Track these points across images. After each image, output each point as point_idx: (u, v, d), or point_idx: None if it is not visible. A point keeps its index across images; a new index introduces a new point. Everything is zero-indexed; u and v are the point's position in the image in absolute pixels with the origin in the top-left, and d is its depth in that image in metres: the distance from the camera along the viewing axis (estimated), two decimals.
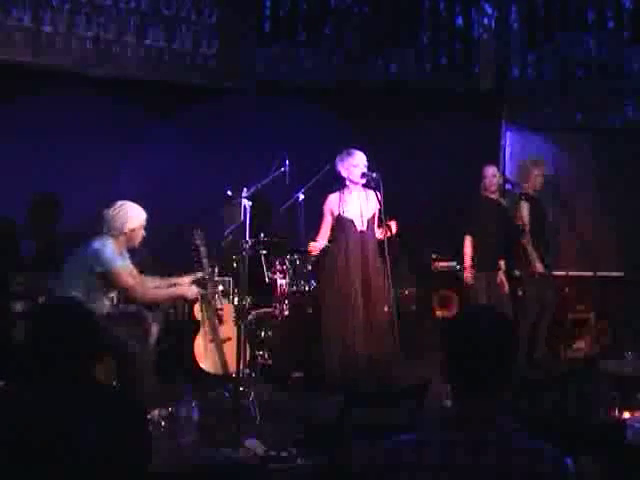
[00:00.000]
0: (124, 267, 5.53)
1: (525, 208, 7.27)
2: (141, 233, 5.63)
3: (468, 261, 7.23)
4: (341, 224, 6.40)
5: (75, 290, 5.39)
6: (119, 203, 5.58)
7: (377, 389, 5.95)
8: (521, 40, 8.47)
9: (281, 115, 7.91)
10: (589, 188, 8.37)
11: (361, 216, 6.41)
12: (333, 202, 6.44)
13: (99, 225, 5.56)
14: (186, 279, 5.99)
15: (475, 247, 7.23)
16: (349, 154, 6.34)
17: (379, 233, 6.35)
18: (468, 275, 7.22)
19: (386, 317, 6.28)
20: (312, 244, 6.49)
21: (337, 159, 6.38)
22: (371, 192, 6.34)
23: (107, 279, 5.47)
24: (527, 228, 7.23)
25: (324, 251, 6.59)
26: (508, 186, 8.02)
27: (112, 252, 5.46)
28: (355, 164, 6.32)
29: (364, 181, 6.33)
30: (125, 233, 5.54)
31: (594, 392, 5.69)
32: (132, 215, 5.57)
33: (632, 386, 5.39)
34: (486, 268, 7.19)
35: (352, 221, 6.40)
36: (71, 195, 7.16)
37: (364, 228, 6.41)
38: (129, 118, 7.51)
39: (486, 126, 8.64)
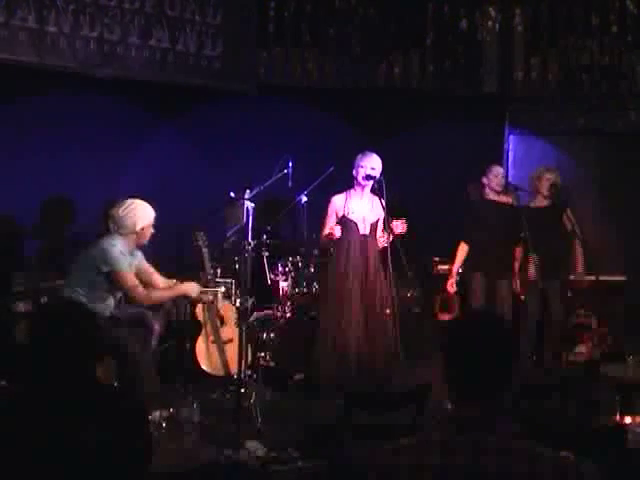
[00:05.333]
0: (129, 268, 5.53)
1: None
2: (150, 231, 5.64)
3: (454, 268, 7.23)
4: (344, 226, 6.39)
5: (81, 289, 5.40)
6: (128, 202, 5.59)
7: (376, 391, 5.95)
8: (525, 44, 8.47)
9: (284, 117, 7.92)
10: (592, 192, 8.36)
11: (364, 220, 6.41)
12: (338, 203, 6.43)
13: (107, 224, 5.57)
14: (195, 286, 5.98)
15: (474, 248, 7.21)
16: (362, 154, 6.36)
17: (383, 241, 6.32)
18: (451, 282, 7.23)
19: (387, 319, 6.28)
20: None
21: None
22: (376, 198, 6.33)
23: (112, 279, 5.48)
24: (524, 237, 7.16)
25: (327, 253, 6.60)
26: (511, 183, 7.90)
27: (119, 252, 5.46)
28: (362, 165, 6.32)
29: (367, 183, 6.33)
30: (135, 232, 5.55)
31: (595, 397, 5.69)
32: (142, 214, 5.58)
33: (633, 391, 5.38)
34: (484, 269, 7.15)
35: (355, 224, 6.39)
36: (74, 195, 7.18)
37: (367, 232, 6.41)
38: (132, 119, 7.53)
39: (489, 130, 8.63)
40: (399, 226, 6.18)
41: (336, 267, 6.40)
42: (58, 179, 7.05)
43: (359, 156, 6.36)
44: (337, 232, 6.26)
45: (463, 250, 7.24)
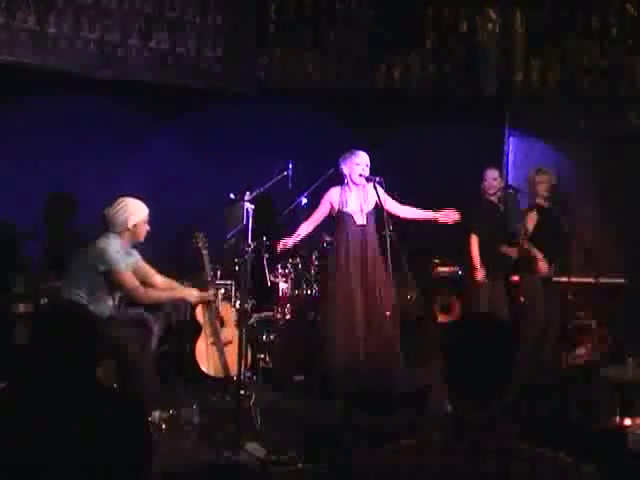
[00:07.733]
0: (127, 267, 5.53)
1: (532, 219, 7.20)
2: (145, 228, 5.63)
3: (476, 261, 7.19)
4: (341, 219, 6.48)
5: (81, 289, 5.40)
6: (120, 200, 5.60)
7: (377, 392, 5.95)
8: (525, 45, 8.47)
9: (284, 119, 7.92)
10: (591, 194, 8.36)
11: (361, 211, 6.47)
12: (334, 195, 6.51)
13: (102, 225, 5.58)
14: (194, 292, 5.97)
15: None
16: (352, 153, 6.45)
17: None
18: (479, 275, 7.17)
19: (387, 320, 6.28)
20: (282, 241, 6.53)
21: (341, 158, 6.47)
22: (371, 190, 6.36)
23: (110, 279, 5.48)
24: (526, 237, 7.15)
25: (326, 250, 6.63)
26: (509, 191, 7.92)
27: (116, 252, 5.46)
28: (357, 163, 6.41)
29: (363, 181, 6.39)
30: (128, 229, 5.55)
31: (595, 398, 5.69)
32: (133, 210, 5.58)
33: (633, 392, 5.39)
34: (485, 268, 7.16)
35: (352, 216, 6.46)
36: (74, 197, 7.19)
37: (364, 222, 6.46)
38: (132, 120, 7.53)
39: (489, 132, 8.63)
40: (450, 215, 6.54)
41: (336, 260, 6.43)
42: (58, 180, 7.06)
43: (349, 154, 6.43)
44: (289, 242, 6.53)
45: (475, 242, 7.21)
